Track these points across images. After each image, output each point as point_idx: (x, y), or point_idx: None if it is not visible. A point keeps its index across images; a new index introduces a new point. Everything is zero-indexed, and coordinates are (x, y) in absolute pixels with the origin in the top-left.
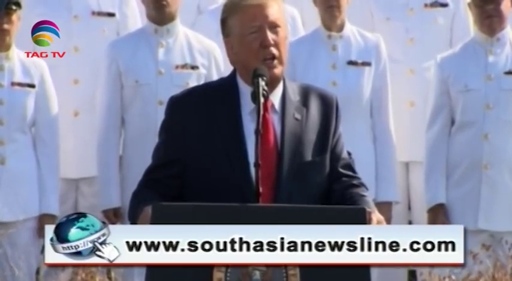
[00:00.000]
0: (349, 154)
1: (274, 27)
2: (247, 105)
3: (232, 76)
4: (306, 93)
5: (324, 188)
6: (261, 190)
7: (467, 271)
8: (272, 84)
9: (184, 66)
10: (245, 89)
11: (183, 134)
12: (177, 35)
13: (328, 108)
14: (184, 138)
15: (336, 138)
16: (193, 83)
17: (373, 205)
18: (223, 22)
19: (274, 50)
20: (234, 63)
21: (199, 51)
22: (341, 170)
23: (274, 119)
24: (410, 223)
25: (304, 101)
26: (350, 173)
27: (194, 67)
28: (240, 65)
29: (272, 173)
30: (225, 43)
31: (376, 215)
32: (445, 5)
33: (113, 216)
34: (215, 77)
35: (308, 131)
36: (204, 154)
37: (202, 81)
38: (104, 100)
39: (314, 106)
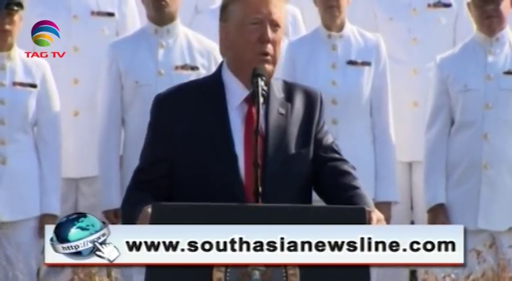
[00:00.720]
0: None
1: (275, 25)
2: (232, 100)
3: (217, 72)
4: (290, 90)
5: (309, 179)
6: (260, 189)
7: (468, 271)
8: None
9: (184, 67)
10: (231, 83)
11: (170, 133)
12: (177, 36)
13: (312, 102)
14: (170, 137)
15: (319, 128)
16: None
17: (368, 196)
18: (224, 7)
19: (270, 48)
20: (226, 50)
21: (199, 51)
22: (324, 154)
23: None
24: (412, 223)
25: (289, 97)
26: (335, 155)
27: (194, 68)
28: (231, 54)
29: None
30: (220, 28)
31: (376, 214)
32: (448, 5)
33: (113, 217)
34: None
35: (293, 124)
36: (191, 150)
37: None
38: (104, 101)
39: (298, 101)
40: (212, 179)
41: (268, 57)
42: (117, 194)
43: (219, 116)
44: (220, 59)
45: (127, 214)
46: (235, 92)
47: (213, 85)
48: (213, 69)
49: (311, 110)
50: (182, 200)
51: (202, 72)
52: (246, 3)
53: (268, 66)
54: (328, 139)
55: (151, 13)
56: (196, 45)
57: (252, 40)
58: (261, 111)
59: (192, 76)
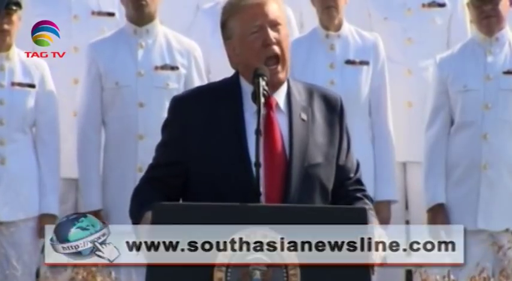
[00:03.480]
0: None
1: (275, 25)
2: (250, 105)
3: (235, 76)
4: (310, 93)
5: (329, 194)
6: (261, 190)
7: (468, 272)
8: (276, 87)
9: (163, 67)
10: (248, 89)
11: (185, 135)
12: (156, 36)
13: (332, 111)
14: (185, 139)
15: (347, 150)
16: (173, 83)
17: (376, 220)
18: (223, 25)
19: (276, 49)
20: (237, 65)
21: (179, 51)
22: (350, 188)
23: (280, 119)
24: (407, 222)
25: (310, 101)
26: (358, 187)
27: (174, 68)
28: (242, 66)
29: (280, 175)
30: (226, 46)
31: (378, 231)
32: (442, 5)
33: None
34: (196, 77)
35: (314, 133)
36: (206, 154)
37: (182, 82)
38: (83, 102)
39: (318, 107)
40: (225, 183)
41: (278, 66)
42: (97, 196)
43: (235, 120)
44: (200, 58)
45: (133, 210)
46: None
47: (230, 89)
48: (193, 69)
49: (332, 122)
50: (195, 201)
51: (183, 72)
52: (242, 15)
53: (280, 74)
54: (354, 165)
55: (131, 13)
56: (176, 45)
57: (256, 48)
58: (262, 111)
59: (172, 76)
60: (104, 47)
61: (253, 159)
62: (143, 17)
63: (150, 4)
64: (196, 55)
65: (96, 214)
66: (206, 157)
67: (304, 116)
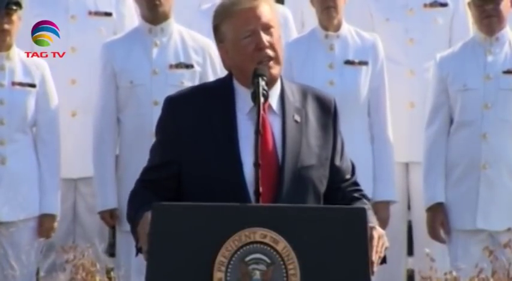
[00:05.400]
0: (352, 165)
1: (267, 28)
2: (243, 106)
3: (229, 77)
4: (304, 94)
5: (321, 196)
6: (261, 190)
7: (467, 272)
8: (270, 84)
9: (178, 65)
10: (242, 90)
11: (178, 135)
12: (171, 34)
13: (326, 113)
14: (178, 139)
15: (341, 151)
16: (188, 82)
17: (375, 219)
18: (216, 28)
19: (269, 52)
20: (230, 68)
21: (194, 49)
22: (347, 189)
23: (272, 120)
24: (409, 222)
25: (303, 103)
26: (355, 188)
27: (189, 66)
28: (236, 70)
29: (272, 176)
30: (219, 49)
31: (377, 231)
32: (444, 5)
33: (109, 217)
34: (210, 74)
35: (307, 135)
36: (197, 154)
37: (197, 80)
38: (98, 101)
39: (311, 109)
40: (215, 183)
41: (271, 62)
42: (112, 195)
43: (227, 121)
44: (215, 56)
45: (130, 214)
46: (246, 98)
47: (223, 89)
48: (208, 66)
49: (326, 124)
50: (188, 202)
51: (197, 70)
52: (235, 19)
53: (273, 70)
54: (349, 167)
55: (145, 12)
56: (191, 43)
57: (249, 52)
58: (261, 111)
59: (187, 74)
60: (118, 46)
61: (244, 160)
62: (157, 17)
63: (164, 3)
64: (211, 53)
65: (112, 212)
66: (198, 157)
67: (297, 118)
